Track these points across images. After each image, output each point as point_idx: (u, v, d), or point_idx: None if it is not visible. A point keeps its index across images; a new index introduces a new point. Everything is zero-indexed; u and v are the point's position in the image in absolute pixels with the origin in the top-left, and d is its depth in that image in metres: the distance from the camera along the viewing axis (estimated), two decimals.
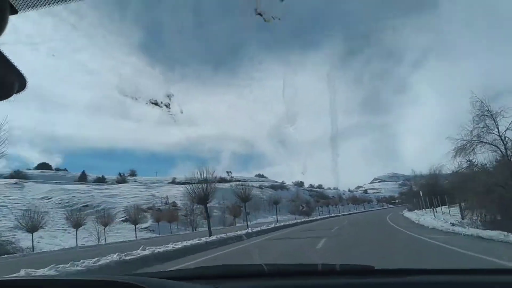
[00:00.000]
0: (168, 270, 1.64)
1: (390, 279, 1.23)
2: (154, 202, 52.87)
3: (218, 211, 53.91)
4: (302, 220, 34.66)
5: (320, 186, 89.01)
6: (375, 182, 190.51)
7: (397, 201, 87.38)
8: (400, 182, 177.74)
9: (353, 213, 54.28)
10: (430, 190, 29.74)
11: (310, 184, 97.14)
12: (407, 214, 29.21)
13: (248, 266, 1.56)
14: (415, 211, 30.80)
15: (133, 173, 79.72)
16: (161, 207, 49.89)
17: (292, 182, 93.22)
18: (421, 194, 30.75)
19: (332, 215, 50.25)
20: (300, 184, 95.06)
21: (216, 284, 1.21)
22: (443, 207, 25.62)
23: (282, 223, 26.27)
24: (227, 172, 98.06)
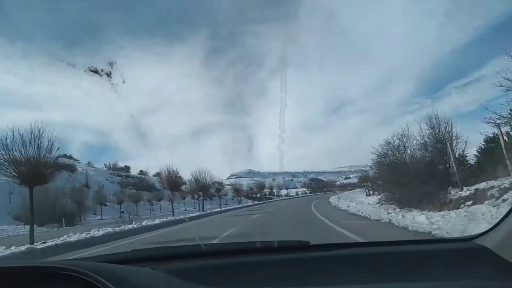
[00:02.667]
0: (105, 254, 1.54)
1: (324, 253, 1.28)
2: None
3: None
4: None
5: (158, 174, 56.91)
6: (232, 178, 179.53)
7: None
8: (255, 178, 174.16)
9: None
10: None
11: (140, 171, 63.60)
12: None
13: (186, 247, 1.50)
14: None
15: None
16: None
17: (104, 165, 58.04)
18: None
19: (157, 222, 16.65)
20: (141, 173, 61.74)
21: (153, 265, 1.21)
22: None
23: None
24: None
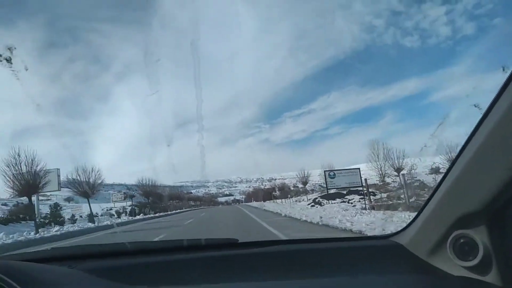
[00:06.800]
0: (23, 252, 1.46)
1: (251, 250, 1.29)
2: None
3: None
4: None
5: None
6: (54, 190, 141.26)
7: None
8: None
9: None
10: None
11: None
12: None
13: (110, 245, 1.42)
14: None
15: None
16: None
17: None
18: None
19: None
20: None
21: (73, 264, 1.15)
22: None
23: None
24: None
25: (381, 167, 25.22)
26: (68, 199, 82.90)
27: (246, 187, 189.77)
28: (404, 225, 1.25)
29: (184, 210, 47.12)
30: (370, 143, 28.32)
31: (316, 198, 26.28)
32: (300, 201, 34.23)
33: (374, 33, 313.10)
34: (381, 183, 24.45)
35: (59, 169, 29.32)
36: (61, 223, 24.27)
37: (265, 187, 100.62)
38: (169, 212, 36.78)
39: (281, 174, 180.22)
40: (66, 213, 35.96)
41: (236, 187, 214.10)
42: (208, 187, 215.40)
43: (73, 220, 26.82)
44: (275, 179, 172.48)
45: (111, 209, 42.30)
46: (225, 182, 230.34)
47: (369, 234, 6.36)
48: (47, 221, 22.87)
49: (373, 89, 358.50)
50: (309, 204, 24.75)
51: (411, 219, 1.20)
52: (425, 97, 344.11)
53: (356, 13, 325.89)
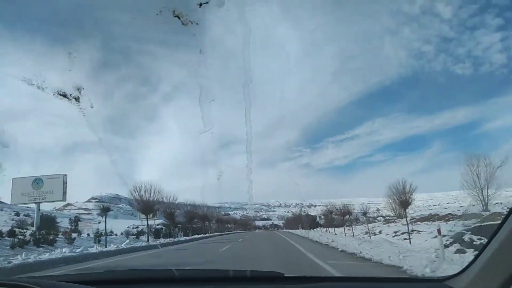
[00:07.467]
0: (75, 273, 1.30)
1: (296, 286, 1.26)
2: None
3: None
4: None
5: None
6: (91, 202, 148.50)
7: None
8: (120, 205, 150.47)
9: None
10: None
11: None
12: None
13: (158, 271, 1.49)
14: None
15: None
16: None
17: None
18: None
19: None
20: None
21: None
22: None
23: None
24: None
25: (482, 191, 16.81)
26: (101, 214, 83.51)
27: (285, 211, 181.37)
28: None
29: (209, 235, 40.39)
30: (466, 157, 19.79)
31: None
32: (375, 233, 22.25)
33: (423, 60, 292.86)
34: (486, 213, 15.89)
35: (66, 175, 24.85)
36: (51, 243, 20.43)
37: (306, 213, 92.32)
38: (181, 238, 29.36)
39: (321, 200, 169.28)
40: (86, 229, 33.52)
41: (274, 211, 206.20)
42: (246, 209, 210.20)
43: (70, 239, 23.07)
44: (315, 205, 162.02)
45: (137, 227, 38.91)
46: (264, 205, 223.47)
47: None
48: (28, 239, 18.43)
49: (420, 117, 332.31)
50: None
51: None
52: (476, 127, 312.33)
53: (405, 38, 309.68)
